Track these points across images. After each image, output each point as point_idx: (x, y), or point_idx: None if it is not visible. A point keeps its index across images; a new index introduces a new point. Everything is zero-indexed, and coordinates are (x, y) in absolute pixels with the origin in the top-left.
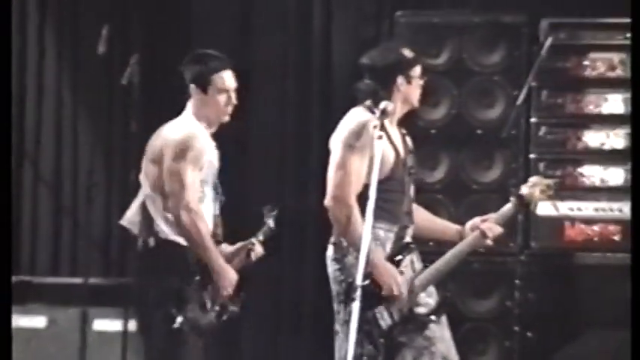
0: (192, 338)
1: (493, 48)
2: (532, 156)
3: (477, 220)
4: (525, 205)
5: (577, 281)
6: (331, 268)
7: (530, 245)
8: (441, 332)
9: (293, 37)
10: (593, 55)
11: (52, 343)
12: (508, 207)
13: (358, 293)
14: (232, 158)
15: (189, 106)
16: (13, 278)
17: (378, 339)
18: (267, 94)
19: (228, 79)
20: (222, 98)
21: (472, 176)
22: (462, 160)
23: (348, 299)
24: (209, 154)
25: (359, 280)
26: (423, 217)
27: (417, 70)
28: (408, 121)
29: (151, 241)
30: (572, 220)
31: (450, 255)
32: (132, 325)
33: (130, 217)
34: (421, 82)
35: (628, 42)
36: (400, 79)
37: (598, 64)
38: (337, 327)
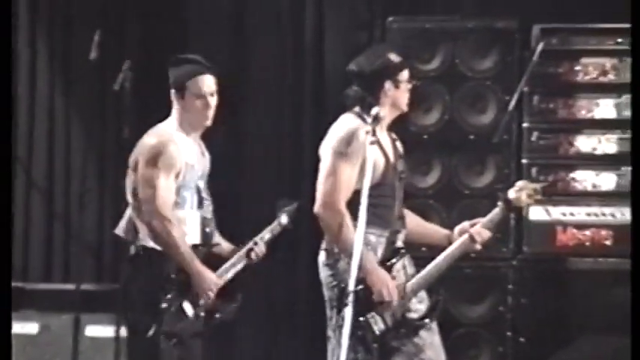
0: (167, 346)
1: (485, 53)
2: (524, 161)
3: (465, 224)
4: (512, 209)
5: (569, 286)
6: (323, 273)
7: (522, 250)
8: (430, 338)
9: (286, 42)
10: (584, 60)
11: (44, 349)
12: (496, 211)
13: (351, 298)
14: (225, 162)
15: (173, 111)
16: None
17: (372, 344)
18: (260, 100)
19: (204, 83)
20: (199, 103)
21: (464, 181)
22: (454, 165)
23: (340, 304)
24: (188, 159)
25: (351, 286)
26: (412, 221)
27: (404, 75)
28: (399, 126)
29: (132, 249)
30: (565, 225)
31: (439, 259)
32: (124, 331)
33: (123, 226)
34: (409, 86)
35: (619, 47)
36: (388, 84)
37: (590, 69)
38: (329, 332)
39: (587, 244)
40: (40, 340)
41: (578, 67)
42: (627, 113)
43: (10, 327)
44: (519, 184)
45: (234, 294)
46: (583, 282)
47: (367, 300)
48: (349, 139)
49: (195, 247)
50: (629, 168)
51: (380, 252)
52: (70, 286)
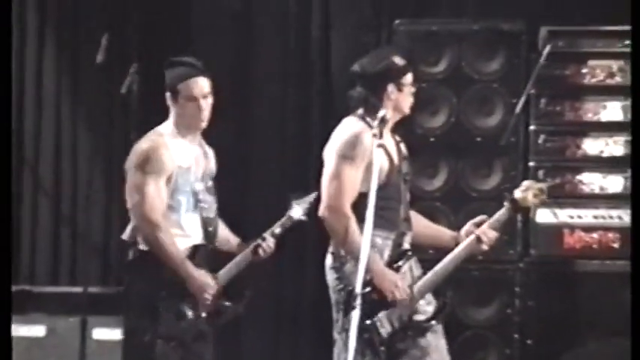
0: (166, 349)
1: (492, 56)
2: (531, 164)
3: (471, 225)
4: (519, 209)
5: (576, 289)
6: (330, 276)
7: (529, 253)
8: (435, 341)
9: (292, 45)
10: (591, 62)
11: (51, 352)
12: (502, 212)
13: (358, 301)
14: (234, 162)
15: (170, 113)
16: (14, 288)
17: (379, 347)
18: (267, 101)
19: (196, 86)
20: (191, 106)
21: (471, 184)
22: (461, 167)
23: (347, 307)
24: (181, 162)
25: (359, 288)
26: (418, 223)
27: (408, 78)
28: (406, 129)
29: (131, 253)
30: (572, 227)
31: (446, 261)
32: None
33: (128, 231)
34: (413, 89)
35: (627, 49)
36: (391, 87)
37: (597, 71)
38: (336, 335)
39: (594, 246)
40: (46, 343)
41: (585, 70)
42: None
43: (9, 330)
44: (525, 183)
45: (240, 292)
46: (590, 284)
47: (374, 302)
48: (353, 143)
49: (197, 247)
50: None
51: (386, 254)
52: (77, 289)
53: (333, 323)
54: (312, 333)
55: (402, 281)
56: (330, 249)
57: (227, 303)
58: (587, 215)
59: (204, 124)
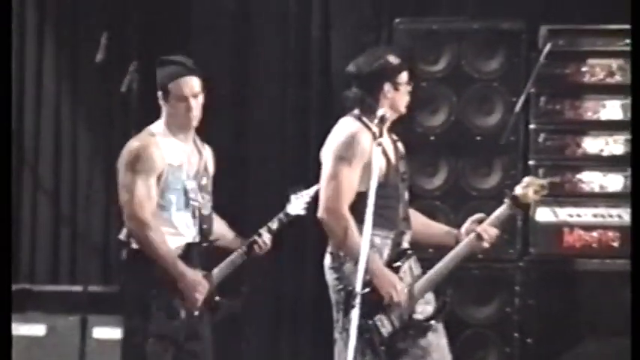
0: (159, 348)
1: (492, 54)
2: (531, 162)
3: (472, 223)
4: (519, 205)
5: (576, 287)
6: (329, 277)
7: (529, 251)
8: (437, 341)
9: (292, 44)
10: (591, 61)
11: (51, 351)
12: (503, 208)
13: (358, 301)
14: (231, 163)
15: (162, 113)
16: (14, 286)
17: (379, 347)
18: (266, 101)
19: (185, 85)
20: (181, 105)
21: (471, 183)
22: (461, 166)
23: (347, 307)
24: (172, 160)
25: (358, 288)
26: (418, 221)
27: (403, 77)
28: (405, 128)
29: (124, 253)
30: (571, 226)
31: (447, 259)
32: None
33: (124, 231)
34: (409, 88)
35: (626, 48)
36: (387, 86)
37: (597, 70)
38: (336, 335)
39: (594, 245)
40: (46, 342)
41: (585, 69)
42: None
43: (10, 329)
44: (526, 180)
45: (236, 288)
46: (590, 283)
47: (374, 302)
48: (349, 143)
49: (190, 245)
50: None
51: (386, 254)
52: (77, 288)
53: (333, 323)
54: (312, 332)
55: (400, 283)
56: (329, 249)
57: (219, 299)
58: (586, 214)
59: (195, 123)
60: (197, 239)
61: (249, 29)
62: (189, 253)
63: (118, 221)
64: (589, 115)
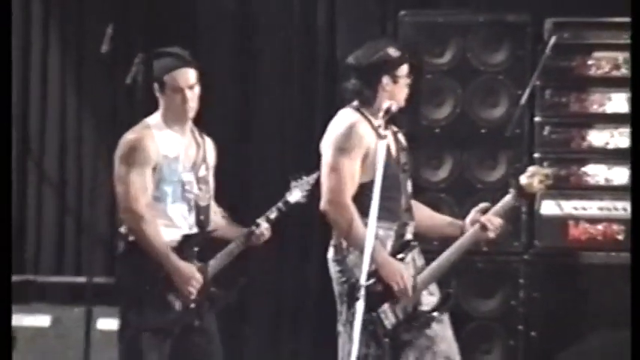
0: (154, 341)
1: (497, 47)
2: (536, 155)
3: (476, 213)
4: (524, 195)
5: (581, 280)
6: (333, 269)
7: (534, 244)
8: (442, 332)
9: (297, 36)
10: (597, 54)
11: (56, 342)
12: (507, 198)
13: (362, 292)
14: (235, 156)
15: (159, 105)
16: (18, 277)
17: (383, 339)
18: (271, 94)
19: (181, 77)
20: (177, 97)
21: (476, 175)
22: (466, 159)
23: (350, 300)
24: (167, 152)
25: (363, 279)
26: (422, 214)
27: (403, 70)
28: (410, 120)
29: (121, 245)
30: (577, 219)
31: (451, 250)
32: None
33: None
34: (408, 81)
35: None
36: (386, 79)
37: (602, 63)
38: (340, 327)
39: (599, 238)
40: (51, 333)
41: (590, 61)
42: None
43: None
44: (531, 169)
45: (234, 280)
46: (595, 276)
47: (378, 294)
48: (348, 134)
49: (186, 237)
50: None
51: (389, 245)
52: (82, 279)
53: (336, 316)
54: (315, 325)
55: (406, 271)
56: (332, 241)
57: (214, 289)
58: (591, 207)
59: (191, 114)
60: (193, 230)
61: (255, 20)
62: (185, 245)
63: None
64: (594, 108)
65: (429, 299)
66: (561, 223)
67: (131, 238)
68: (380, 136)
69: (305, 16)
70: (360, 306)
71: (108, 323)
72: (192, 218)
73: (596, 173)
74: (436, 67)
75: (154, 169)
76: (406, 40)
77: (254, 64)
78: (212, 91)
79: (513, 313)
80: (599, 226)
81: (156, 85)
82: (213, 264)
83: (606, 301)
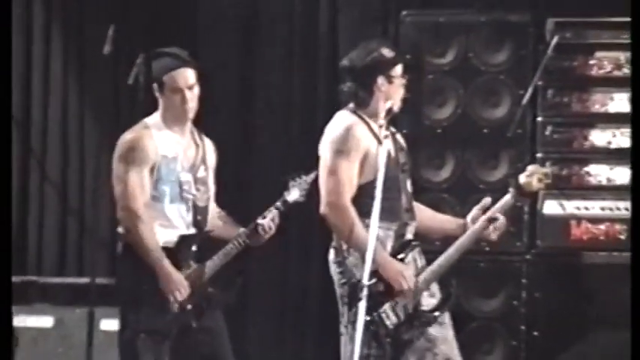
0: (150, 342)
1: (499, 47)
2: (538, 155)
3: (477, 211)
4: (524, 194)
5: (583, 280)
6: (333, 271)
7: (536, 244)
8: (444, 333)
9: (299, 36)
10: (599, 53)
11: (58, 343)
12: (507, 197)
13: (364, 293)
14: (235, 156)
15: (158, 105)
16: (21, 278)
17: (385, 339)
18: (273, 94)
19: (180, 78)
20: (176, 97)
21: (478, 175)
22: (467, 159)
23: (351, 301)
24: (166, 152)
25: (365, 279)
26: (423, 214)
27: (398, 70)
28: (412, 120)
29: (119, 246)
30: (579, 219)
31: (452, 249)
32: None
33: None
34: (403, 81)
35: None
36: (381, 80)
37: (604, 62)
38: (342, 328)
39: (602, 238)
40: (54, 334)
41: (592, 61)
42: None
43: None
44: (530, 168)
45: (231, 280)
46: (597, 276)
47: (379, 294)
48: (346, 137)
49: (184, 237)
50: None
51: (389, 245)
52: (85, 280)
53: (338, 317)
54: (318, 326)
55: (407, 270)
56: (333, 243)
57: (212, 290)
58: (594, 207)
59: (190, 115)
60: (191, 231)
61: (257, 21)
62: (182, 245)
63: None
64: (596, 108)
65: (430, 299)
66: (563, 223)
67: (127, 239)
68: (378, 138)
69: (306, 16)
70: (362, 306)
71: (110, 324)
72: (189, 218)
73: (599, 173)
74: (438, 67)
75: (152, 168)
76: (408, 40)
77: (254, 64)
78: (212, 91)
79: (515, 313)
80: (602, 226)
81: (155, 86)
82: (211, 264)
83: (609, 301)
